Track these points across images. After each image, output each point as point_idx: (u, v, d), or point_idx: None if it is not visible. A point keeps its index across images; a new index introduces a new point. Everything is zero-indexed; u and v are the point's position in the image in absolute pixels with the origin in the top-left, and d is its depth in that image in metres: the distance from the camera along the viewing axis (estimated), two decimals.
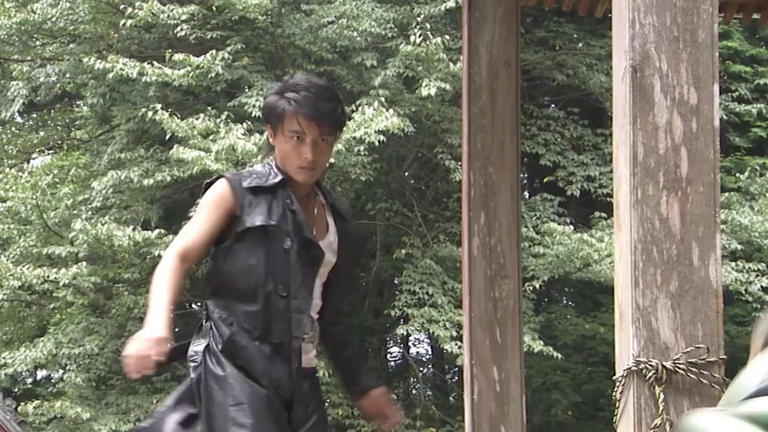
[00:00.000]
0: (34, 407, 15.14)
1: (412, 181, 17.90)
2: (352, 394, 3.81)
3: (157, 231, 14.80)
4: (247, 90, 15.33)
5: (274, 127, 3.58)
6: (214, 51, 14.94)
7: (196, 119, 14.44)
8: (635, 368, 2.99)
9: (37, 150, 20.16)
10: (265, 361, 3.49)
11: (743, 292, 15.41)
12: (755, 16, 6.75)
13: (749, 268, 15.43)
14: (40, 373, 21.23)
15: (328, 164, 3.76)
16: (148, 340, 3.34)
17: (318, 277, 3.57)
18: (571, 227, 15.58)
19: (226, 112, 14.65)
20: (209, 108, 15.09)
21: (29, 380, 21.54)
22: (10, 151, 20.48)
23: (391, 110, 14.05)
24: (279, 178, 3.57)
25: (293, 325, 3.50)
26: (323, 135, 3.55)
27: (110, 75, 15.00)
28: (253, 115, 14.63)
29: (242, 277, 3.50)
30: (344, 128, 3.72)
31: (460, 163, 13.73)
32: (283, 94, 3.57)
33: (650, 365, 2.98)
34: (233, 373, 3.44)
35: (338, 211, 3.71)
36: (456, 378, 18.91)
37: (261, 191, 3.54)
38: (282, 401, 3.47)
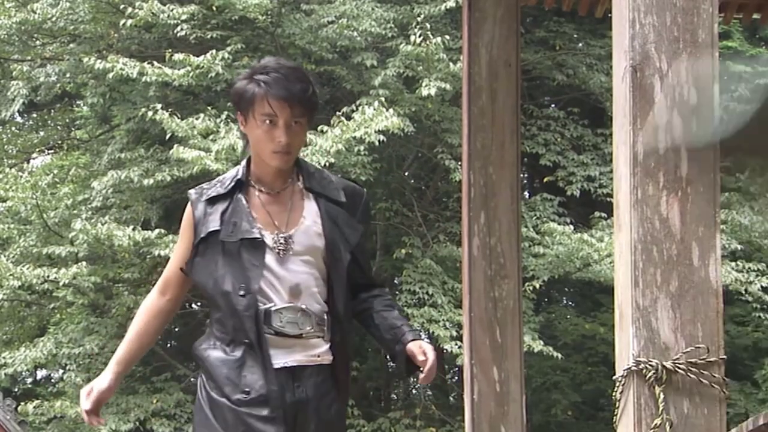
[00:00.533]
0: (34, 407, 15.14)
1: (412, 181, 17.90)
2: (392, 355, 3.66)
3: (157, 231, 14.80)
4: None
5: (245, 113, 3.51)
6: (214, 51, 14.95)
7: (196, 119, 14.44)
8: (635, 368, 2.99)
9: (37, 150, 20.17)
10: (229, 366, 3.44)
11: (743, 292, 15.41)
12: (755, 16, 6.75)
13: (749, 268, 15.44)
14: (40, 373, 21.24)
15: (303, 147, 3.66)
16: (81, 394, 3.64)
17: (279, 276, 3.48)
18: (571, 227, 15.58)
19: (226, 112, 14.65)
20: (209, 108, 15.09)
21: (29, 380, 21.55)
22: (10, 150, 20.49)
23: (391, 110, 14.05)
24: (237, 179, 3.55)
25: (259, 323, 3.43)
26: (296, 117, 3.47)
27: (110, 75, 15.00)
28: None
29: (206, 286, 3.51)
30: (316, 110, 3.60)
31: (460, 163, 13.72)
32: (252, 78, 3.49)
33: (650, 365, 2.98)
34: (201, 396, 3.49)
35: (317, 191, 3.59)
36: (456, 378, 18.92)
37: (218, 199, 3.53)
38: (258, 404, 3.40)
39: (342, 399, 3.58)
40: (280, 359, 3.46)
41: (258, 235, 3.47)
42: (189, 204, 3.60)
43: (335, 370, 3.53)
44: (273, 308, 3.46)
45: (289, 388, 3.46)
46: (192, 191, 3.63)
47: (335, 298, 3.53)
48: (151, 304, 3.63)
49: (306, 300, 3.49)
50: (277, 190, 3.56)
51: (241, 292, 3.44)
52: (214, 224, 3.50)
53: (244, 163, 3.61)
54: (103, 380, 3.60)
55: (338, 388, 3.55)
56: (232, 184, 3.55)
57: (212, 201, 3.54)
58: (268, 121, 3.46)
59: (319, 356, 3.51)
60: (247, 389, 3.42)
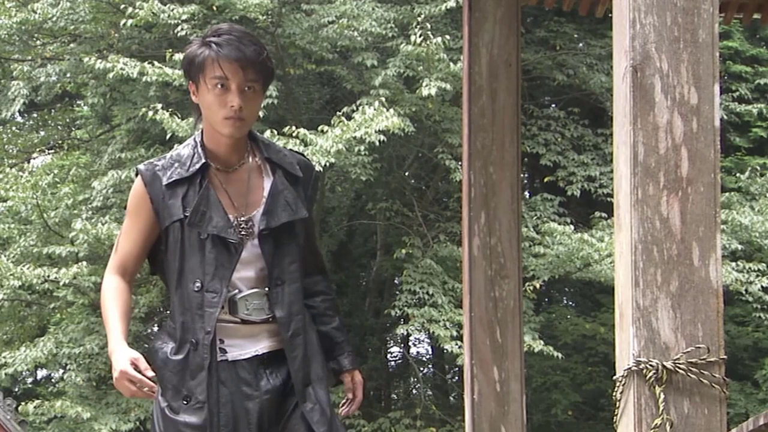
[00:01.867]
0: (34, 407, 15.15)
1: (413, 181, 17.91)
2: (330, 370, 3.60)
3: None
4: None
5: (196, 80, 3.36)
6: None
7: None
8: (635, 368, 2.99)
9: (38, 150, 20.18)
10: (172, 369, 3.36)
11: (743, 292, 15.41)
12: (755, 16, 6.75)
13: (749, 268, 15.44)
14: (41, 373, 21.25)
15: (257, 117, 3.50)
16: (125, 374, 3.29)
17: (244, 261, 3.38)
18: (572, 227, 15.58)
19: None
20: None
21: (29, 380, 21.56)
22: (10, 150, 20.50)
23: (391, 110, 14.05)
24: (200, 162, 3.40)
25: (206, 321, 3.32)
26: (249, 80, 3.32)
27: (111, 74, 15.00)
28: None
29: (169, 280, 3.41)
30: (271, 78, 3.41)
31: (460, 163, 13.74)
32: (203, 41, 3.37)
33: (650, 365, 2.98)
34: (156, 405, 3.42)
35: (275, 162, 3.46)
36: (456, 378, 18.92)
37: (179, 183, 3.39)
38: (193, 411, 3.31)
39: (315, 375, 3.44)
40: (250, 348, 3.40)
41: (228, 235, 3.34)
42: (140, 183, 3.44)
43: (299, 346, 3.42)
44: (238, 296, 3.38)
45: (263, 375, 3.40)
46: (141, 167, 3.47)
47: (275, 263, 3.40)
48: (117, 286, 3.45)
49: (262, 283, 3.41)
50: (234, 166, 3.43)
51: (195, 287, 3.35)
52: (177, 211, 3.38)
53: (198, 138, 3.46)
54: (133, 352, 3.35)
55: (309, 369, 3.43)
56: (196, 166, 3.39)
57: (175, 185, 3.39)
58: (219, 85, 3.32)
59: (280, 342, 3.43)
60: (187, 396, 3.34)
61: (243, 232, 3.39)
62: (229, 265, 3.36)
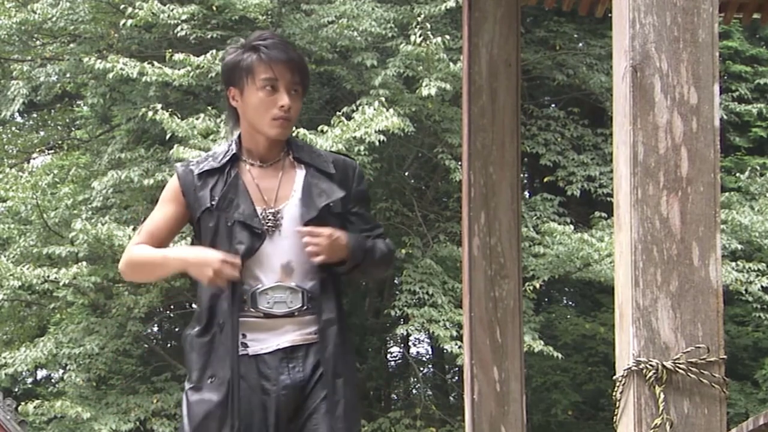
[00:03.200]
0: (34, 407, 15.15)
1: (413, 181, 17.91)
2: None
3: None
4: None
5: (240, 84, 3.45)
6: (214, 51, 14.94)
7: (197, 119, 14.45)
8: (635, 368, 2.99)
9: (38, 150, 20.18)
10: (199, 350, 3.41)
11: (743, 292, 15.42)
12: (755, 16, 6.75)
13: (749, 268, 15.44)
14: (41, 373, 21.25)
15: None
16: (225, 262, 3.32)
17: (268, 253, 3.40)
18: (572, 227, 15.59)
19: (226, 112, 14.64)
20: (209, 108, 15.10)
21: (29, 380, 21.56)
22: (10, 150, 20.51)
23: (391, 110, 14.06)
24: (231, 154, 3.49)
25: (235, 304, 3.37)
26: (295, 83, 3.44)
27: (110, 75, 15.01)
28: None
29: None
30: (308, 86, 3.54)
31: (460, 163, 13.73)
32: (248, 47, 3.47)
33: (650, 365, 2.98)
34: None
35: (306, 161, 3.52)
36: (456, 378, 18.92)
37: (210, 174, 3.48)
38: (215, 389, 3.35)
39: (345, 371, 3.45)
40: (272, 342, 3.41)
41: (253, 223, 3.40)
42: (174, 176, 3.55)
43: (332, 345, 3.42)
44: (259, 290, 3.41)
45: (285, 369, 3.40)
46: (178, 165, 3.57)
47: (318, 266, 3.41)
48: (137, 247, 3.52)
49: (298, 277, 3.43)
50: (270, 162, 3.50)
51: None
52: (205, 201, 3.45)
53: (235, 139, 3.55)
54: (203, 249, 3.38)
55: (340, 362, 3.43)
56: (226, 158, 3.49)
57: (204, 175, 3.49)
58: (269, 87, 3.42)
59: (315, 334, 3.43)
60: (212, 375, 3.38)
61: (269, 224, 3.43)
62: (248, 247, 3.39)
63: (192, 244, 3.57)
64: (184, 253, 3.47)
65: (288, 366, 3.41)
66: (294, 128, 14.47)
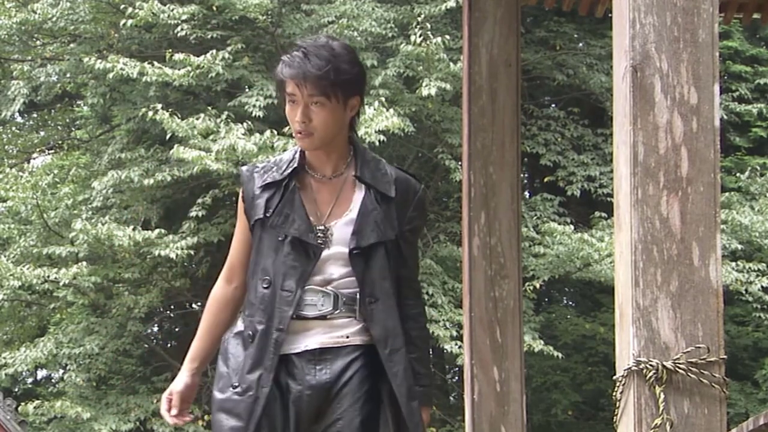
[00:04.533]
0: (34, 407, 15.15)
1: None
2: None
3: (157, 231, 14.81)
4: (247, 90, 15.34)
5: (281, 97, 3.48)
6: (214, 51, 14.95)
7: (197, 119, 14.45)
8: (635, 368, 2.99)
9: (38, 150, 20.18)
10: (231, 356, 3.44)
11: (743, 292, 15.42)
12: (755, 16, 6.76)
13: (749, 268, 15.44)
14: (41, 373, 21.25)
15: (330, 129, 3.44)
16: (161, 400, 3.56)
17: (325, 266, 3.42)
18: (572, 227, 15.59)
19: (226, 112, 14.66)
20: (209, 108, 15.10)
21: (29, 380, 21.55)
22: (10, 150, 20.50)
23: (391, 110, 14.06)
24: (294, 165, 3.47)
25: (276, 317, 3.38)
26: (313, 96, 3.37)
27: (110, 75, 15.01)
28: (253, 114, 14.63)
29: (248, 273, 3.52)
30: (346, 87, 3.41)
31: (460, 163, 13.73)
32: (281, 61, 3.46)
33: (650, 365, 2.98)
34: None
35: (368, 182, 3.48)
36: (456, 378, 18.92)
37: (272, 186, 3.47)
38: (241, 397, 3.38)
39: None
40: (300, 343, 3.40)
41: (308, 239, 3.40)
42: (241, 184, 3.56)
43: (372, 350, 3.41)
44: None
45: (311, 371, 3.39)
46: (243, 169, 3.58)
47: (366, 281, 3.41)
48: (218, 294, 3.56)
49: (335, 287, 3.43)
50: (329, 176, 3.49)
51: (265, 285, 3.41)
52: (259, 211, 3.45)
53: (299, 148, 3.55)
54: (179, 381, 3.54)
55: (375, 367, 3.41)
56: (288, 170, 3.47)
57: (267, 187, 3.47)
58: (291, 102, 3.41)
59: (347, 337, 3.42)
60: (236, 385, 3.40)
61: (320, 240, 3.43)
62: (306, 267, 3.40)
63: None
64: (184, 362, 3.59)
65: (315, 368, 3.40)
66: None
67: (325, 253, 3.43)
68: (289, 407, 3.39)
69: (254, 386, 3.38)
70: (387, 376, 3.40)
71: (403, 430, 3.39)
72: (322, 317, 3.41)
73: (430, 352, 3.73)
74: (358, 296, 3.42)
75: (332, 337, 3.42)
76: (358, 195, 3.48)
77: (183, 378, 3.54)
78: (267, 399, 3.37)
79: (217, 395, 3.44)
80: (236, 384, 3.40)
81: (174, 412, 3.50)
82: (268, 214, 3.44)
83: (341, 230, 3.44)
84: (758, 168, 17.04)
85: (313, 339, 3.41)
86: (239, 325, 3.48)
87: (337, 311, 3.42)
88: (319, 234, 3.42)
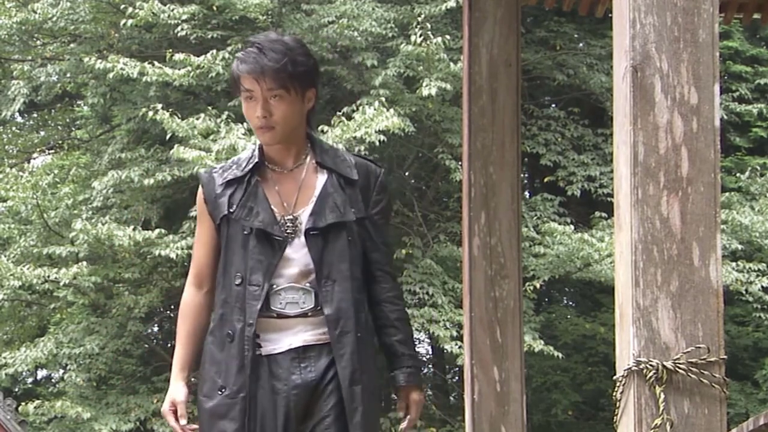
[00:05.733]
0: (34, 407, 15.15)
1: (413, 181, 17.91)
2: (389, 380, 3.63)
3: (157, 231, 14.81)
4: None
5: (237, 94, 3.50)
6: (214, 51, 14.95)
7: (197, 119, 14.45)
8: (635, 368, 2.99)
9: (38, 150, 20.17)
10: (210, 360, 3.44)
11: (743, 292, 15.41)
12: (756, 16, 6.75)
13: (749, 268, 15.43)
14: (41, 373, 21.25)
15: (290, 122, 3.46)
16: (165, 415, 3.51)
17: (289, 259, 3.42)
18: (572, 227, 15.58)
19: (226, 112, 14.65)
20: (210, 108, 15.10)
21: (30, 380, 21.56)
22: (10, 150, 20.50)
23: (391, 110, 14.05)
24: (255, 160, 3.49)
25: (247, 314, 3.38)
26: (271, 91, 3.39)
27: (111, 75, 15.00)
28: None
29: (218, 271, 3.50)
30: (302, 79, 3.42)
31: (460, 163, 13.73)
32: (237, 58, 3.48)
33: (651, 365, 2.98)
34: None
35: (329, 167, 3.51)
36: (456, 378, 18.92)
37: (234, 182, 3.49)
38: (228, 398, 3.38)
39: (364, 379, 3.44)
40: (285, 342, 3.41)
41: (273, 230, 3.41)
42: (200, 186, 3.56)
43: (349, 353, 3.42)
44: (273, 290, 3.42)
45: (296, 369, 3.41)
46: (202, 171, 3.63)
47: (324, 262, 3.43)
48: (191, 301, 3.55)
49: (314, 280, 3.43)
50: (290, 168, 3.51)
51: (237, 282, 3.41)
52: (223, 208, 3.46)
53: (258, 142, 3.57)
54: (180, 392, 3.50)
55: (358, 370, 3.42)
56: (249, 166, 3.50)
57: (228, 184, 3.49)
58: (248, 98, 3.43)
59: (321, 335, 3.43)
60: (222, 386, 3.40)
61: (289, 230, 3.44)
62: (272, 260, 3.41)
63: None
64: (173, 368, 3.55)
65: (300, 366, 3.41)
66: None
67: (297, 241, 3.43)
68: (278, 407, 3.39)
69: (244, 387, 3.38)
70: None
71: (348, 413, 3.39)
72: (304, 315, 3.42)
73: (413, 334, 3.67)
74: (314, 276, 3.42)
75: (315, 334, 3.43)
76: (321, 179, 3.50)
77: (180, 387, 3.51)
78: (257, 399, 3.38)
79: (206, 402, 3.43)
80: (224, 386, 3.40)
81: (183, 421, 3.48)
82: (231, 209, 3.45)
83: (309, 217, 3.46)
84: (758, 168, 17.03)
85: (296, 337, 3.42)
86: (214, 326, 3.48)
87: (318, 308, 3.43)
88: (288, 224, 3.44)
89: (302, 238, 3.43)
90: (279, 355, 3.41)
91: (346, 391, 3.39)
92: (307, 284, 3.43)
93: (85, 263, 15.12)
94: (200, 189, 3.56)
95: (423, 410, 17.62)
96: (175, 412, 3.47)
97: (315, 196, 3.47)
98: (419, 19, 14.74)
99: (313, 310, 3.42)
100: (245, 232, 3.42)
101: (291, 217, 3.45)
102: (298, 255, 3.43)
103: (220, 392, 3.40)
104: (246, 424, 3.36)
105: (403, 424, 3.57)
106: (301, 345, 3.42)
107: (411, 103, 14.99)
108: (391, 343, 3.56)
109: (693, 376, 2.98)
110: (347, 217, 3.46)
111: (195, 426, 3.46)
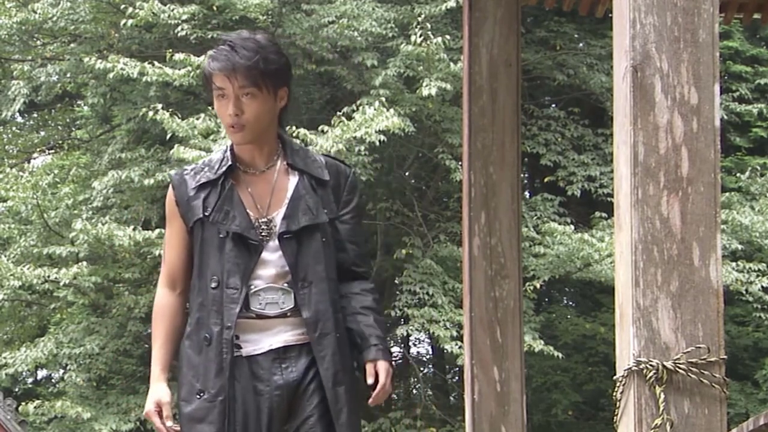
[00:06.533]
0: (34, 407, 15.15)
1: (413, 181, 17.90)
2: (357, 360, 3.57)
3: (157, 231, 14.79)
4: None
5: (209, 93, 3.49)
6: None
7: (197, 119, 14.45)
8: (636, 368, 2.99)
9: (38, 150, 20.18)
10: (187, 364, 3.44)
11: (743, 292, 15.41)
12: (756, 16, 6.75)
13: (750, 268, 15.43)
14: (41, 373, 21.25)
15: (262, 120, 3.44)
16: (149, 416, 3.49)
17: (265, 261, 3.41)
18: (572, 227, 15.58)
19: None
20: (210, 108, 15.07)
21: (30, 380, 21.56)
22: (10, 150, 20.51)
23: (391, 110, 14.05)
24: (228, 163, 3.47)
25: (225, 317, 3.37)
26: (243, 88, 3.38)
27: (111, 75, 15.00)
28: None
29: (192, 277, 3.48)
30: (275, 78, 3.40)
31: (460, 163, 13.73)
32: (208, 56, 3.47)
33: (651, 365, 2.98)
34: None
35: (300, 168, 3.50)
36: (456, 378, 18.92)
37: (207, 186, 3.47)
38: (208, 401, 3.37)
39: (346, 379, 3.43)
40: (265, 342, 3.41)
41: (249, 234, 3.40)
42: (169, 189, 3.52)
43: (330, 354, 3.41)
44: (252, 291, 3.41)
45: (278, 370, 3.41)
46: (172, 173, 3.57)
47: (300, 265, 3.42)
48: (165, 302, 3.53)
49: (291, 281, 3.42)
50: (261, 169, 3.50)
51: (213, 285, 3.40)
52: (198, 211, 3.44)
53: (229, 144, 3.54)
54: (164, 393, 3.49)
55: (340, 370, 3.42)
56: (222, 168, 3.47)
57: (201, 187, 3.47)
58: (220, 96, 3.43)
59: (299, 335, 3.43)
60: (201, 390, 3.40)
61: (264, 233, 3.43)
62: (249, 263, 3.40)
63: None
64: (152, 370, 3.53)
65: (281, 366, 3.41)
66: (294, 128, 14.46)
67: (272, 243, 3.43)
68: (261, 409, 3.39)
69: (223, 390, 3.37)
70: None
71: (333, 413, 3.38)
72: (284, 315, 3.42)
73: (384, 323, 3.64)
74: (290, 278, 3.41)
75: (295, 335, 3.43)
76: (293, 181, 3.49)
77: (163, 388, 3.49)
78: (237, 401, 3.37)
79: (185, 407, 3.43)
80: (202, 390, 3.40)
81: (169, 423, 3.47)
82: (207, 213, 3.43)
83: (284, 219, 3.45)
84: (758, 168, 17.03)
85: (277, 338, 3.42)
86: (190, 330, 3.46)
87: (297, 308, 3.43)
88: (262, 227, 3.43)
89: (276, 241, 3.43)
90: (260, 356, 3.41)
91: (330, 393, 3.39)
92: (285, 284, 3.43)
93: (85, 263, 15.12)
94: (170, 191, 3.52)
95: (423, 410, 17.66)
96: (160, 413, 3.46)
97: (287, 198, 3.46)
98: (419, 19, 14.73)
99: (292, 310, 3.42)
100: (221, 236, 3.41)
101: (265, 219, 3.44)
102: (273, 257, 3.43)
103: (198, 396, 3.39)
104: (225, 427, 3.36)
105: (375, 396, 3.46)
106: (282, 345, 3.42)
107: (411, 103, 14.99)
108: (359, 328, 3.50)
109: (693, 376, 2.98)
110: (320, 219, 3.46)
111: (178, 426, 3.47)
